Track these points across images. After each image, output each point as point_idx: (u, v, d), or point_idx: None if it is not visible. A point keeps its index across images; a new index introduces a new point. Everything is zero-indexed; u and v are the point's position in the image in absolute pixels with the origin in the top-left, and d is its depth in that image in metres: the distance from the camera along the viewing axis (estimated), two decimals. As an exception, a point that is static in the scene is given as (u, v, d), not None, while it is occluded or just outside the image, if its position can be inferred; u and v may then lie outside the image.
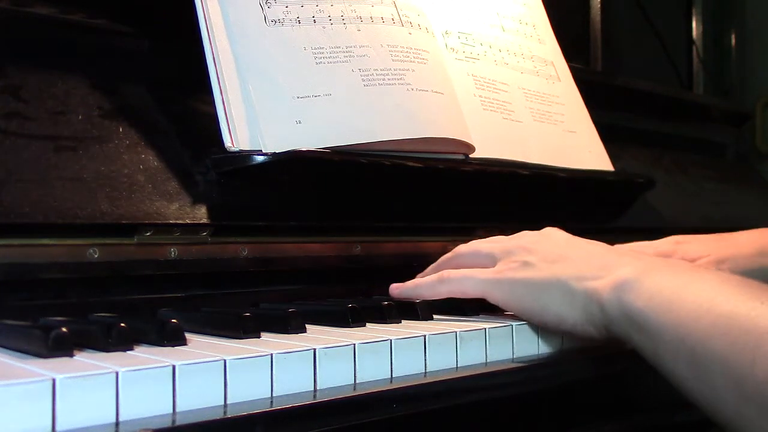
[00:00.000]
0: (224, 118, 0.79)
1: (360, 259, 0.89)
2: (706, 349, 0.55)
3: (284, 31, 0.85)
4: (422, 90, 0.90)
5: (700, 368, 0.55)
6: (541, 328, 0.71)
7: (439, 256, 0.83)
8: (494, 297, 0.72)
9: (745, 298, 0.55)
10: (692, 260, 0.96)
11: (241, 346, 0.56)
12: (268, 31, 0.84)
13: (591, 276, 0.66)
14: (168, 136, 0.80)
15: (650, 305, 0.60)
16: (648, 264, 0.65)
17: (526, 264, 0.71)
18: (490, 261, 0.75)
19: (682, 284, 0.60)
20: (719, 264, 0.96)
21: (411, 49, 0.92)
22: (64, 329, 0.52)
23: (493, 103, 1.04)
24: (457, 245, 0.82)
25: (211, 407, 0.49)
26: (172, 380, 0.48)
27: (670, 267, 0.64)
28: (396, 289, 0.79)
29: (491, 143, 0.99)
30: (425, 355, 0.62)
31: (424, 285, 0.77)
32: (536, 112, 1.09)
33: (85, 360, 0.50)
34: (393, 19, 0.92)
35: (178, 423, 0.46)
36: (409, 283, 0.79)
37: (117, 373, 0.46)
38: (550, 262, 0.70)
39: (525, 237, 0.76)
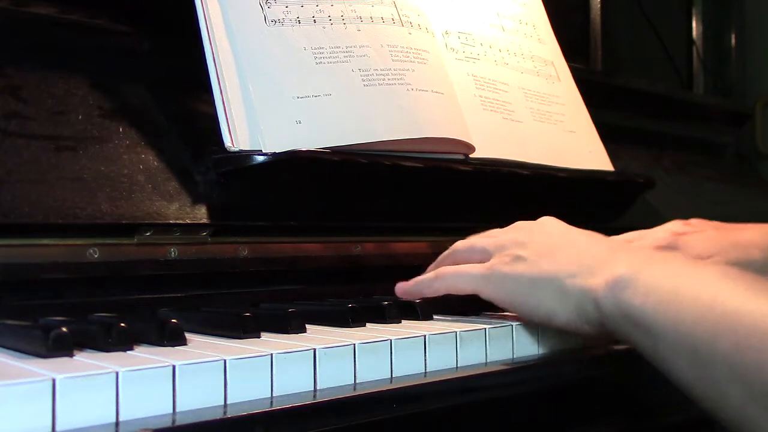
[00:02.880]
0: (224, 118, 0.79)
1: (360, 259, 0.89)
2: (710, 349, 0.54)
3: (284, 31, 0.85)
4: (422, 90, 0.90)
5: (704, 368, 0.54)
6: (540, 328, 0.71)
7: (438, 256, 0.83)
8: (486, 292, 0.71)
9: (750, 294, 0.54)
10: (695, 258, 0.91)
11: (241, 346, 0.56)
12: (268, 31, 0.84)
13: (584, 272, 0.65)
14: (168, 136, 0.80)
15: (648, 302, 0.59)
16: (643, 258, 0.64)
17: (518, 258, 0.70)
18: (484, 256, 0.75)
19: (681, 279, 0.59)
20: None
21: (411, 49, 0.92)
22: (64, 329, 0.52)
23: (493, 103, 1.04)
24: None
25: (211, 407, 0.49)
26: (172, 380, 0.48)
27: (667, 261, 0.63)
28: (400, 288, 0.79)
29: (491, 143, 0.99)
30: (425, 355, 0.62)
31: (422, 282, 0.77)
32: (536, 112, 1.09)
33: (85, 360, 0.50)
34: (393, 19, 0.92)
35: (178, 423, 0.46)
36: (411, 282, 0.79)
37: (117, 373, 0.46)
38: (542, 256, 0.69)
39: (519, 230, 0.75)
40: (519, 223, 0.77)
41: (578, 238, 0.71)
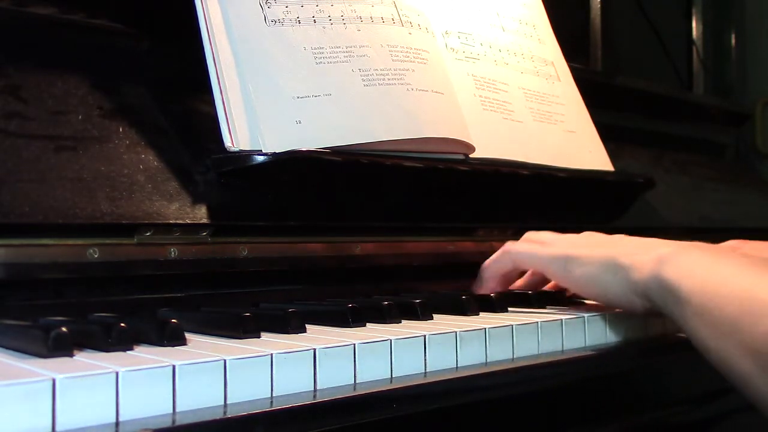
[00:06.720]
0: (224, 118, 0.79)
1: (360, 259, 0.89)
2: (722, 313, 0.65)
3: (284, 31, 0.85)
4: (422, 90, 0.90)
5: (716, 329, 0.65)
6: (542, 329, 0.71)
7: (439, 256, 0.83)
8: (551, 271, 0.84)
9: (763, 276, 0.65)
10: None
11: (241, 346, 0.56)
12: (268, 31, 0.84)
13: (636, 254, 0.76)
14: (168, 136, 0.80)
15: (683, 277, 0.70)
16: (687, 244, 0.75)
17: (580, 246, 0.82)
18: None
19: (713, 262, 0.70)
20: None
21: (411, 49, 0.92)
22: (64, 329, 0.52)
23: (493, 103, 1.04)
24: (456, 245, 0.82)
25: (211, 407, 0.49)
26: (172, 380, 0.48)
27: (706, 248, 0.75)
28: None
29: (491, 143, 0.99)
30: (425, 355, 0.62)
31: (491, 260, 0.88)
32: (536, 112, 1.09)
33: (85, 360, 0.50)
34: (393, 19, 0.92)
35: (178, 423, 0.46)
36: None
37: (117, 373, 0.46)
38: (599, 246, 0.81)
39: (568, 235, 0.87)
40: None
41: (624, 237, 0.83)
